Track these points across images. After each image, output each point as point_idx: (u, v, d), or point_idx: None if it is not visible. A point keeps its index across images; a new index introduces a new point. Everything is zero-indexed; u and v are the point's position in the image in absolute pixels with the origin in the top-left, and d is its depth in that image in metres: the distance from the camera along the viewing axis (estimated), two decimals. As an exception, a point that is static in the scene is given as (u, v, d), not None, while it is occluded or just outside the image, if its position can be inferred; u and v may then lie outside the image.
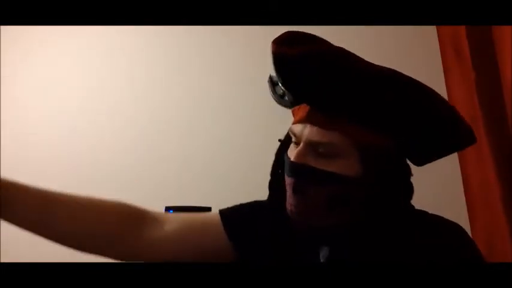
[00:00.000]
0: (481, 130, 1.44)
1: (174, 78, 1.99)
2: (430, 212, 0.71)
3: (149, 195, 1.85)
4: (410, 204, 0.70)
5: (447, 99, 1.65)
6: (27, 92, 2.11)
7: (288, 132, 0.70)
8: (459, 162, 1.60)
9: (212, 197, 1.72)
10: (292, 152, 0.67)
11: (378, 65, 0.65)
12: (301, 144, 0.64)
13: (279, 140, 0.74)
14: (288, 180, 0.66)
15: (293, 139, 0.67)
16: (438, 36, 1.73)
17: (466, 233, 0.65)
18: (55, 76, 2.11)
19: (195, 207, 1.58)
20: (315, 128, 0.62)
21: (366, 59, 0.64)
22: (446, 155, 0.68)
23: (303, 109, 0.65)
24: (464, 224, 1.54)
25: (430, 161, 0.70)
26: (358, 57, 0.64)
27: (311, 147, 0.63)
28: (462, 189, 1.58)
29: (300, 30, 0.65)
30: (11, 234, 1.87)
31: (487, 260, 0.64)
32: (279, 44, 0.62)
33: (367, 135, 0.61)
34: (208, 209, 1.58)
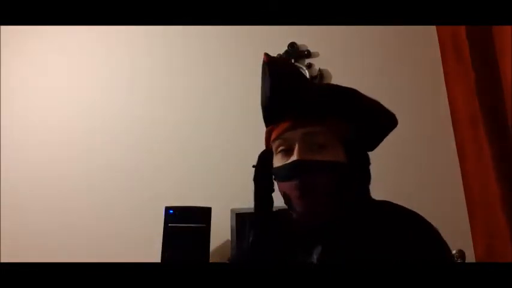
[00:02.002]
0: (481, 130, 1.44)
1: (177, 79, 1.99)
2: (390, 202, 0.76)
3: (149, 195, 1.85)
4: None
5: (447, 99, 1.67)
6: (27, 93, 2.11)
7: (260, 157, 0.79)
8: (459, 162, 1.60)
9: (212, 197, 1.73)
10: (282, 160, 0.73)
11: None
12: (298, 144, 0.71)
13: (253, 166, 0.79)
14: (292, 184, 0.70)
15: (281, 148, 0.74)
16: (438, 36, 1.74)
17: (428, 222, 0.71)
18: (55, 76, 2.11)
19: (195, 207, 1.58)
20: (307, 126, 0.71)
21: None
22: (384, 137, 0.80)
23: (284, 123, 0.73)
24: (464, 224, 1.54)
25: (377, 145, 0.81)
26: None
27: (307, 143, 0.70)
28: (462, 189, 1.58)
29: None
30: (11, 234, 1.89)
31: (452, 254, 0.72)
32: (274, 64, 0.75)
33: (342, 126, 0.73)
34: (208, 209, 1.58)
